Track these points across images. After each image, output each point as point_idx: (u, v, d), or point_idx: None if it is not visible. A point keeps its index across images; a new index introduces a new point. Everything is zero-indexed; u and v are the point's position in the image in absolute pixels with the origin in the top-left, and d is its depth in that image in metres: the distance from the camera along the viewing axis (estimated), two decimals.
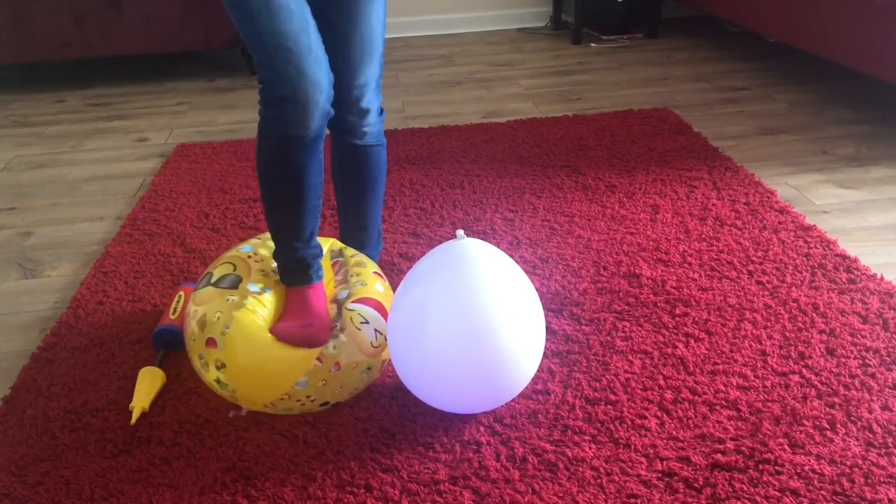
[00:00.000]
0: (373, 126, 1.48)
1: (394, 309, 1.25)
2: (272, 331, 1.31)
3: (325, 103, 1.28)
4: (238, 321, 1.29)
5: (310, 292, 1.39)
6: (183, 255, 1.86)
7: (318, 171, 1.35)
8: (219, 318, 1.31)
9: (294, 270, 1.40)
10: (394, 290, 1.48)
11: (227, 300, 1.34)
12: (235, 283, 1.37)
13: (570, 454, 1.20)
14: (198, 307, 1.35)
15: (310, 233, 1.38)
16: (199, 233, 1.97)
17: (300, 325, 1.33)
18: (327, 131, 1.37)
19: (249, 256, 1.45)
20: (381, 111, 1.50)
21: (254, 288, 1.37)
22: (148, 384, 1.37)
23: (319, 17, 1.33)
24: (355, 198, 1.57)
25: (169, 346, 1.48)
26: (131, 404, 1.33)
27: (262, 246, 1.49)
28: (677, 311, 1.54)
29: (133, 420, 1.31)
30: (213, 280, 1.39)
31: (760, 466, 1.16)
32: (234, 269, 1.41)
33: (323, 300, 1.40)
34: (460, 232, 1.24)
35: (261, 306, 1.34)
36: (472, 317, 1.17)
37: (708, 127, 2.54)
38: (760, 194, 2.01)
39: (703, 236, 1.82)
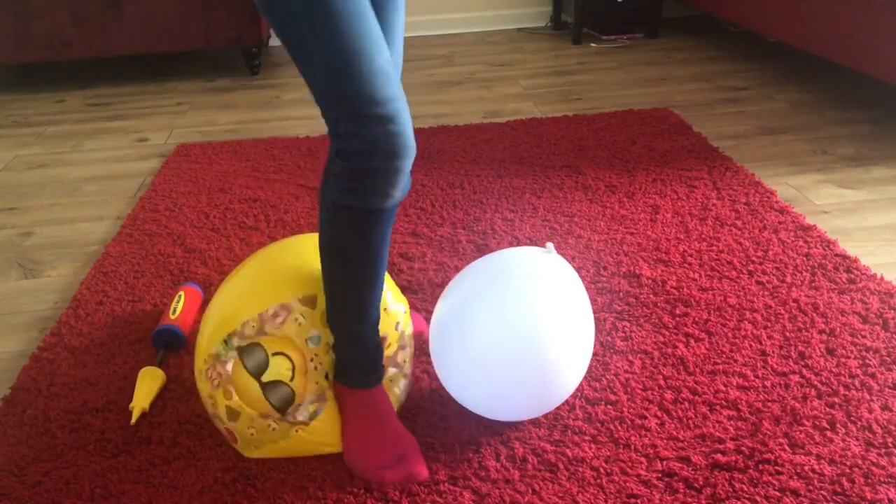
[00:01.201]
0: None
1: (439, 317, 1.24)
2: (363, 475, 1.16)
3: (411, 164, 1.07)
4: (275, 449, 1.20)
5: (381, 399, 1.20)
6: (183, 255, 1.86)
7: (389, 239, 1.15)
8: (252, 435, 1.19)
9: (361, 365, 1.18)
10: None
11: (269, 426, 1.18)
12: (263, 367, 1.16)
13: (570, 454, 1.20)
14: (230, 387, 1.17)
15: (376, 315, 1.18)
16: (199, 233, 1.97)
17: (393, 460, 1.16)
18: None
19: (314, 357, 1.19)
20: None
21: (303, 416, 1.18)
22: (148, 384, 1.37)
23: None
24: None
25: (169, 347, 1.48)
26: (131, 404, 1.33)
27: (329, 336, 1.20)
28: (677, 311, 1.54)
29: (133, 420, 1.31)
30: (242, 346, 1.17)
31: (760, 466, 1.16)
32: (286, 358, 1.18)
33: (391, 407, 1.22)
34: (550, 245, 1.23)
35: (308, 437, 1.20)
36: (525, 325, 1.16)
37: (708, 127, 2.54)
38: (760, 194, 2.01)
39: (704, 236, 1.82)
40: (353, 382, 1.19)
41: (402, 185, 1.06)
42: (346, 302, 1.14)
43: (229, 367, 1.17)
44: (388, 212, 1.08)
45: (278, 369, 1.17)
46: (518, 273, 1.20)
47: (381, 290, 1.17)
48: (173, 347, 1.49)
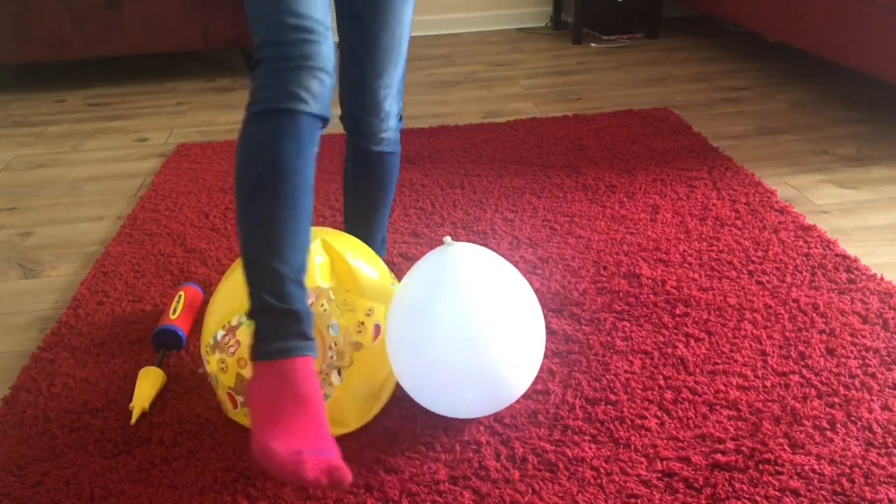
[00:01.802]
0: (391, 132, 1.43)
1: (391, 315, 1.25)
2: (275, 463, 0.97)
3: (331, 80, 1.12)
4: None
5: (307, 373, 1.04)
6: (183, 255, 1.86)
7: (309, 192, 1.11)
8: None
9: (275, 322, 1.04)
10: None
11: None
12: None
13: (570, 454, 1.20)
14: (246, 357, 1.19)
15: (301, 263, 1.08)
16: (199, 233, 1.97)
17: (312, 448, 0.99)
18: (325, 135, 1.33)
19: (332, 346, 1.22)
20: (400, 118, 1.46)
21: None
22: (148, 384, 1.37)
23: (351, 14, 1.31)
24: (364, 203, 1.52)
25: (169, 346, 1.48)
26: (131, 404, 1.33)
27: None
28: (677, 311, 1.54)
29: (133, 420, 1.31)
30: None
31: (760, 466, 1.16)
32: None
33: (318, 390, 1.05)
34: (447, 238, 1.23)
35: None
36: (466, 322, 1.17)
37: (708, 127, 2.54)
38: (760, 194, 2.01)
39: (704, 236, 1.82)
40: (265, 349, 1.04)
41: (319, 94, 1.08)
42: (259, 234, 1.05)
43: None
44: (301, 119, 1.07)
45: None
46: (451, 274, 1.20)
47: (307, 237, 1.09)
48: (173, 347, 1.49)
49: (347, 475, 0.97)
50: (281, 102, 1.06)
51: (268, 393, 1.02)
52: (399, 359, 1.23)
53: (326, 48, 1.10)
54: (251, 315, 1.07)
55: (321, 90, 1.10)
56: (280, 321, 1.05)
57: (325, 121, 1.13)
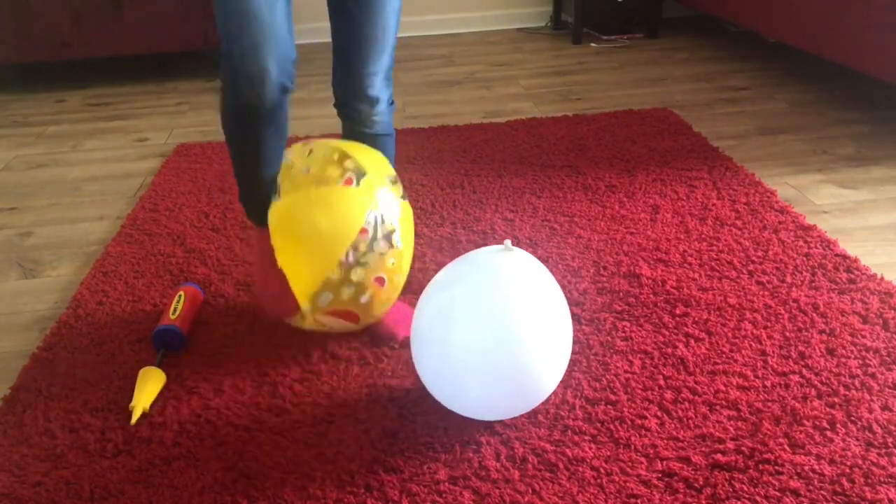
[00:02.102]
0: (382, 115, 1.52)
1: (419, 311, 1.25)
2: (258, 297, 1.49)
3: (279, 77, 1.28)
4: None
5: (264, 238, 1.42)
6: (183, 255, 1.86)
7: (278, 141, 1.39)
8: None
9: (255, 207, 1.46)
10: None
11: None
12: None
13: (570, 454, 1.20)
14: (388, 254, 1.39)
15: (267, 194, 1.43)
16: (199, 233, 1.97)
17: (270, 291, 1.43)
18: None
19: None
20: (391, 102, 1.54)
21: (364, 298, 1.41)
22: (148, 384, 1.37)
23: (338, 8, 1.40)
24: None
25: (169, 346, 1.48)
26: (131, 404, 1.33)
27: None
28: (677, 311, 1.54)
29: (133, 420, 1.31)
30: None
31: (760, 466, 1.16)
32: None
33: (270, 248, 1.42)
34: (507, 242, 1.23)
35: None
36: (502, 326, 1.17)
37: (708, 127, 2.54)
38: (760, 194, 2.01)
39: (704, 236, 1.82)
40: (253, 220, 1.48)
41: (267, 91, 1.28)
42: (245, 167, 1.44)
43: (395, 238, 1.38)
44: (259, 109, 1.30)
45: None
46: (489, 274, 1.21)
47: (272, 178, 1.42)
48: (173, 347, 1.49)
49: (293, 308, 1.40)
50: (241, 98, 1.30)
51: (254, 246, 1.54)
52: (427, 356, 1.23)
53: (274, 42, 1.26)
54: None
55: (273, 77, 1.27)
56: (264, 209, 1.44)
57: (285, 90, 1.31)
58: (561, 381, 1.36)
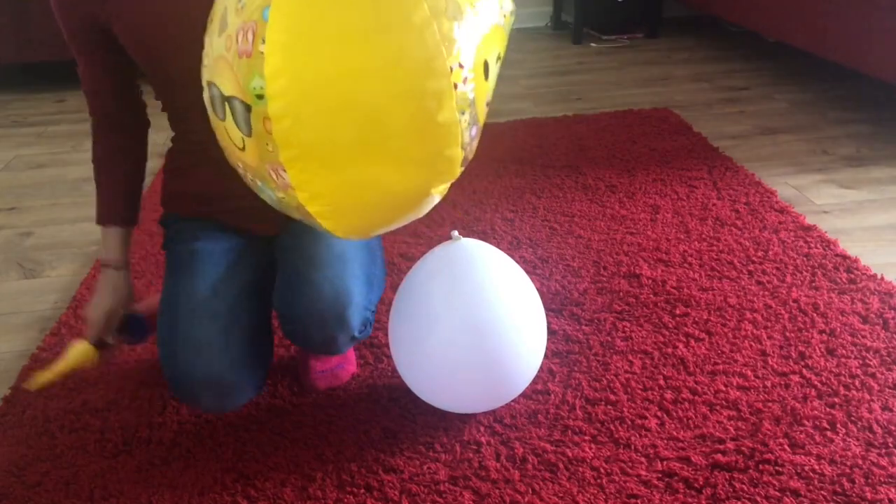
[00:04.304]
0: (341, 347, 1.27)
1: (394, 311, 1.25)
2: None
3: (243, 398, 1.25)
4: None
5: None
6: None
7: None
8: None
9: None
10: (393, 289, 1.48)
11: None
12: None
13: (570, 454, 1.20)
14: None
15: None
16: None
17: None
18: None
19: None
20: (365, 328, 1.26)
21: None
22: (72, 360, 1.25)
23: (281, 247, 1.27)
24: None
25: (132, 336, 1.36)
26: (47, 368, 1.24)
27: None
28: (677, 311, 1.54)
29: (32, 386, 1.23)
30: None
31: (761, 466, 1.16)
32: None
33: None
34: (455, 233, 1.23)
35: None
36: (472, 317, 1.17)
37: (708, 127, 2.54)
38: (760, 194, 2.01)
39: (704, 236, 1.82)
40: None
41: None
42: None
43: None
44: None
45: None
46: (445, 266, 1.21)
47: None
48: (136, 337, 1.37)
49: None
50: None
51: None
52: (401, 351, 1.23)
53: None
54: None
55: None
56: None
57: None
58: (561, 381, 1.36)
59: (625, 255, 1.76)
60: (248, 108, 0.78)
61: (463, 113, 0.81)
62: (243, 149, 0.83)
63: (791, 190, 2.07)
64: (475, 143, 0.91)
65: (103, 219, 1.30)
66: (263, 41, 0.75)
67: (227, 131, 0.84)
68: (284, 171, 0.79)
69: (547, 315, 1.55)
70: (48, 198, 2.29)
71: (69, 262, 1.90)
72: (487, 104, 0.92)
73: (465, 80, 0.79)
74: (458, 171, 0.91)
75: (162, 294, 1.25)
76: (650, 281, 1.65)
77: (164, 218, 1.37)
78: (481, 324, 1.16)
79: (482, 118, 0.89)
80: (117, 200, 1.29)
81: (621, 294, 1.62)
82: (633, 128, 2.53)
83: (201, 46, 0.96)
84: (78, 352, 1.26)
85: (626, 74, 3.19)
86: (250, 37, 0.76)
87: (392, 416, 1.30)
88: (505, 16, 0.87)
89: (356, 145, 0.79)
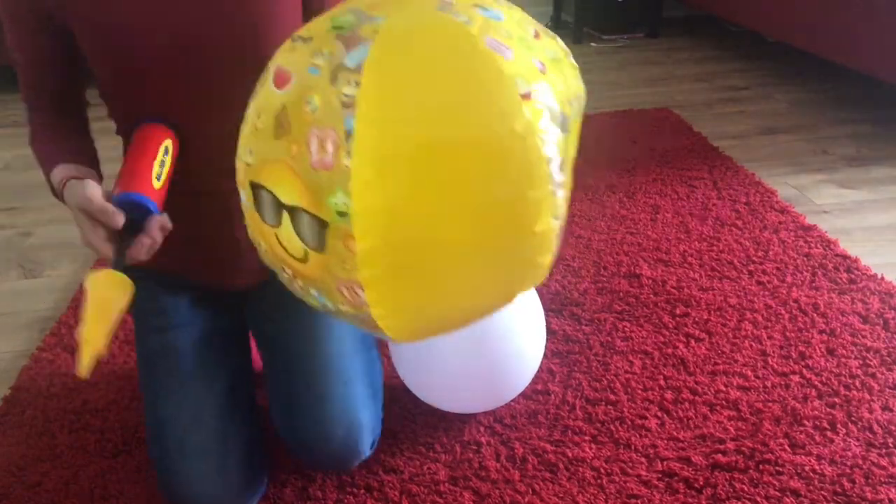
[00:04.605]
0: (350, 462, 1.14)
1: None
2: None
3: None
4: None
5: None
6: None
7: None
8: None
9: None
10: None
11: None
12: None
13: (570, 454, 1.20)
14: None
15: None
16: None
17: None
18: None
19: None
20: (373, 444, 1.15)
21: None
22: (103, 308, 0.86)
23: (267, 345, 1.16)
24: None
25: (135, 229, 0.95)
26: (80, 337, 0.84)
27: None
28: (678, 312, 1.54)
29: (82, 368, 0.84)
30: None
31: (761, 467, 1.16)
32: None
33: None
34: None
35: None
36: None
37: (708, 127, 2.54)
38: (761, 194, 2.01)
39: (704, 236, 1.82)
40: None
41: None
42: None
43: None
44: None
45: None
46: None
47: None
48: (136, 227, 0.95)
49: None
50: None
51: None
52: (401, 352, 1.23)
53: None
54: None
55: None
56: None
57: None
58: (561, 382, 1.36)
59: (625, 255, 1.76)
60: (322, 224, 0.70)
61: (556, 219, 0.75)
62: (304, 261, 0.75)
63: (791, 190, 2.07)
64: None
65: (50, 174, 1.05)
66: (349, 154, 0.67)
67: (281, 239, 0.76)
68: (362, 289, 0.72)
69: (547, 315, 1.55)
70: (48, 198, 2.28)
71: (69, 262, 1.90)
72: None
73: (560, 185, 0.74)
74: (546, 275, 0.84)
75: (144, 401, 1.11)
76: (650, 281, 1.65)
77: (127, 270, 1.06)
78: (481, 324, 1.16)
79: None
80: (65, 155, 1.08)
81: (621, 294, 1.62)
82: (633, 128, 2.53)
83: (183, 31, 0.91)
84: (115, 286, 0.87)
85: (627, 74, 3.19)
86: (330, 147, 0.68)
87: (392, 416, 1.30)
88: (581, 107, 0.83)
89: (446, 261, 0.73)
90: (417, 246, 0.71)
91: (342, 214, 0.68)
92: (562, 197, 0.75)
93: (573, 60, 0.82)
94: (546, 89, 0.72)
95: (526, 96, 0.70)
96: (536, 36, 0.76)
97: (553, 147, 0.72)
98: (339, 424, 1.07)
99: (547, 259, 0.78)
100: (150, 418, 1.09)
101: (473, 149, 0.69)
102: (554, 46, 0.79)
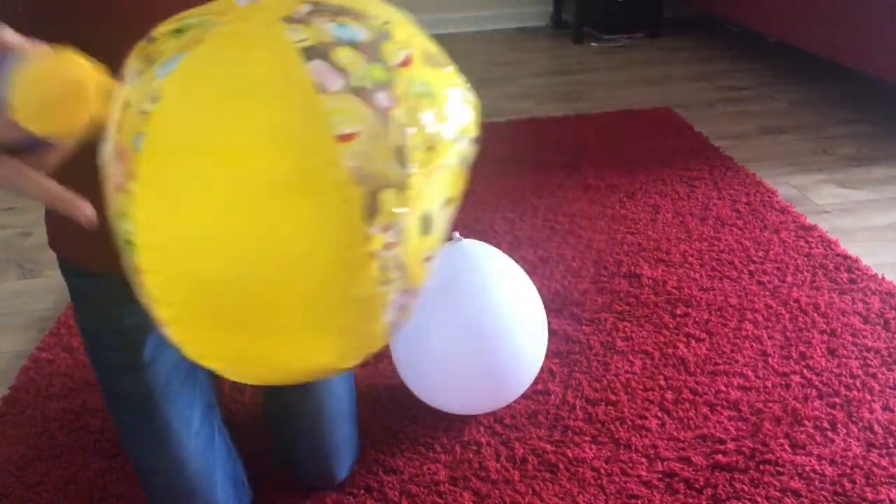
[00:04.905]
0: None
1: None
2: None
3: None
4: None
5: None
6: None
7: None
8: None
9: None
10: None
11: None
12: None
13: (570, 455, 1.20)
14: None
15: None
16: None
17: None
18: None
19: None
20: (351, 466, 1.19)
21: None
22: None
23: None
24: None
25: None
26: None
27: None
28: (678, 312, 1.54)
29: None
30: None
31: (761, 467, 1.16)
32: None
33: None
34: (455, 234, 1.23)
35: None
36: (473, 317, 1.17)
37: (709, 126, 2.54)
38: (761, 194, 2.01)
39: (704, 236, 1.82)
40: None
41: None
42: None
43: None
44: None
45: None
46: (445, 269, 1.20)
47: None
48: None
49: None
50: None
51: None
52: (401, 352, 1.23)
53: None
54: None
55: None
56: None
57: None
58: (561, 382, 1.36)
59: (625, 255, 1.76)
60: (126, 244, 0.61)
61: (387, 283, 0.63)
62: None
63: (792, 190, 2.07)
64: (415, 303, 0.71)
65: None
66: (135, 178, 0.56)
67: None
68: (166, 327, 0.63)
69: (547, 315, 1.55)
70: None
71: None
72: (430, 259, 0.71)
73: (387, 246, 0.61)
74: (383, 342, 0.70)
75: (117, 435, 1.09)
76: (651, 281, 1.65)
77: (63, 271, 1.04)
78: (482, 324, 1.16)
79: (421, 278, 0.68)
80: None
81: (622, 294, 1.61)
82: (634, 127, 2.53)
83: None
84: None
85: (627, 74, 3.19)
86: (121, 167, 0.57)
87: (392, 416, 1.30)
88: (463, 153, 0.69)
89: (245, 315, 0.60)
90: (206, 296, 0.59)
91: (129, 243, 0.59)
92: (396, 255, 0.62)
93: (470, 94, 0.67)
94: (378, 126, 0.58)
95: (345, 137, 0.56)
96: (406, 63, 0.62)
97: (380, 203, 0.58)
98: (324, 465, 1.15)
99: (376, 327, 0.65)
100: (131, 460, 1.07)
101: (272, 198, 0.56)
102: (431, 78, 0.63)
